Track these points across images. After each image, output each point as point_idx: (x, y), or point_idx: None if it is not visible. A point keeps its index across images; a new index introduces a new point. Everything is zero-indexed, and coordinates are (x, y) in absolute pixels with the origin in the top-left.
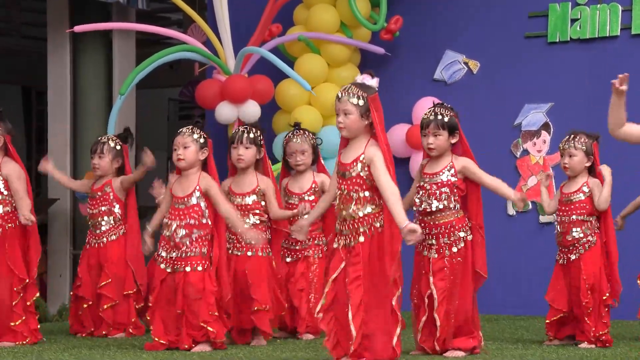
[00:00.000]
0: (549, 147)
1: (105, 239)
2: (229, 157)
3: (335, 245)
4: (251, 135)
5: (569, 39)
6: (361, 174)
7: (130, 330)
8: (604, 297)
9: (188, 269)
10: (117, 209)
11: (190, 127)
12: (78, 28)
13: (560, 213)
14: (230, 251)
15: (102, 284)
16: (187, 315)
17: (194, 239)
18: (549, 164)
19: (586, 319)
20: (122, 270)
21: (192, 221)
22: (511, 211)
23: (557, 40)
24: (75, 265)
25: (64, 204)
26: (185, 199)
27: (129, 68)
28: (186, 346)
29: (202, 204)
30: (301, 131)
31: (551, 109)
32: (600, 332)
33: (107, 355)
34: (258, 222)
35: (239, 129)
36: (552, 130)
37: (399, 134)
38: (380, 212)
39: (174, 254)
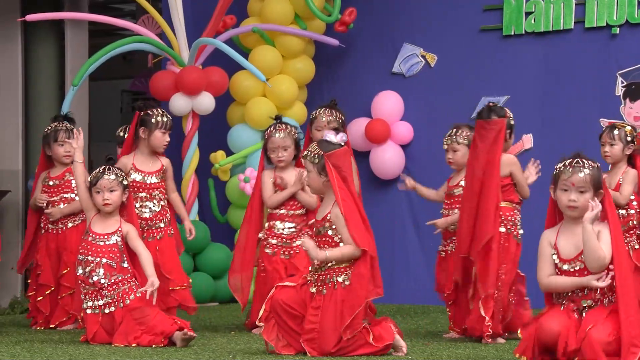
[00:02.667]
0: None
1: (63, 226)
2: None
3: (307, 277)
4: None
5: (523, 32)
6: (329, 232)
7: (80, 320)
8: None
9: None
10: (77, 196)
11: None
12: (30, 17)
13: (445, 205)
14: (149, 238)
15: (62, 272)
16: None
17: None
18: None
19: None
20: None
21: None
22: None
23: (512, 33)
24: None
25: (15, 196)
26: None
27: (81, 59)
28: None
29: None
30: (284, 125)
31: (507, 101)
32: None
33: (60, 348)
34: (161, 207)
35: (165, 116)
36: None
37: (358, 128)
38: (347, 267)
39: (102, 301)
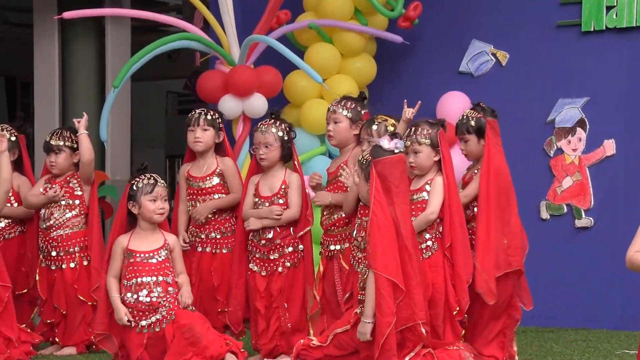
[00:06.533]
0: (585, 145)
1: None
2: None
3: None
4: (209, 117)
5: (604, 28)
6: None
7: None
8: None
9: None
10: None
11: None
12: (67, 14)
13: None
14: (197, 248)
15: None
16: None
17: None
18: (585, 164)
19: None
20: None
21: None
22: (545, 215)
23: (592, 29)
24: None
25: None
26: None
27: (123, 58)
28: None
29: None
30: (272, 121)
31: (587, 104)
32: None
33: None
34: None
35: (195, 111)
36: (587, 127)
37: None
38: None
39: (151, 318)
